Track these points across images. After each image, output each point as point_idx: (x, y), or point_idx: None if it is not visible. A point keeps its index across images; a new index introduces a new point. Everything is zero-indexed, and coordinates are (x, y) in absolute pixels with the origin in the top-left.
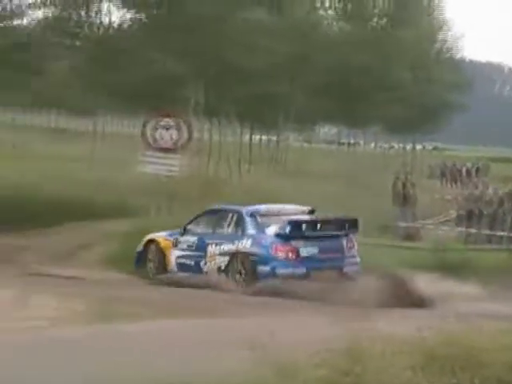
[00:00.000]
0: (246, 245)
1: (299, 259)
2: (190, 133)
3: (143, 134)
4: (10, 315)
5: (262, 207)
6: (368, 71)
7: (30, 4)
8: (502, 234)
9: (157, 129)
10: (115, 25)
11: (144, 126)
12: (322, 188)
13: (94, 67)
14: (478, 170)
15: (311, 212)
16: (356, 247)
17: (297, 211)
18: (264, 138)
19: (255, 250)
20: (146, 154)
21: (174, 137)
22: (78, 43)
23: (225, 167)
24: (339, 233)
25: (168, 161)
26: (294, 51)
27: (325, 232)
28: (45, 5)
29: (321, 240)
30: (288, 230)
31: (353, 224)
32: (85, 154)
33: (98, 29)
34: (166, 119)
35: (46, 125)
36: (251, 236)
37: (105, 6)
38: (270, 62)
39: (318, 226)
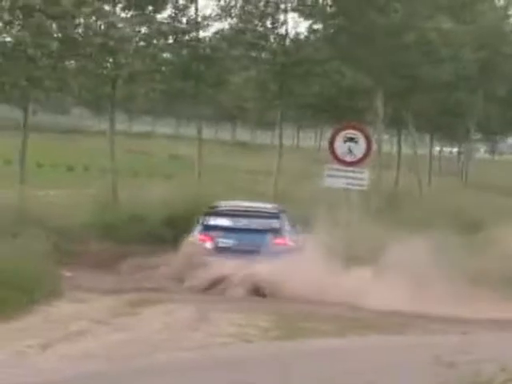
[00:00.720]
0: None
1: (216, 249)
2: (372, 145)
3: (331, 146)
4: (197, 332)
5: (224, 203)
6: None
7: (214, 16)
8: None
9: (345, 141)
10: (301, 36)
11: (332, 138)
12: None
13: (280, 79)
14: None
15: (282, 211)
16: (289, 243)
17: (265, 209)
18: (454, 150)
19: None
20: (333, 167)
21: (361, 150)
22: (263, 55)
23: (414, 180)
24: (263, 227)
25: (357, 174)
26: (480, 60)
27: (246, 225)
28: (229, 16)
29: (240, 232)
30: (207, 221)
31: (278, 219)
32: (270, 166)
33: (285, 40)
34: (353, 131)
35: (228, 137)
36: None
37: (290, 16)
38: (454, 71)
39: (239, 219)
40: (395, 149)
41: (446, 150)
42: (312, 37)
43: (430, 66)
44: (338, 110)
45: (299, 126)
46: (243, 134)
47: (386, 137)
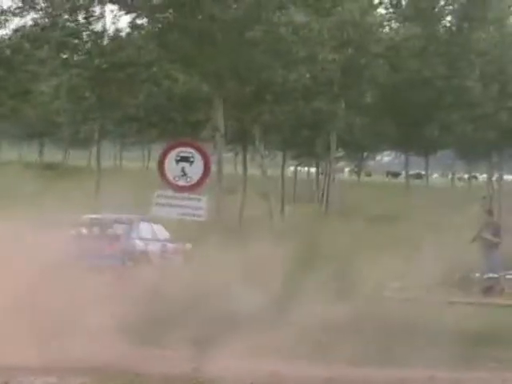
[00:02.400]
0: None
1: None
2: (210, 165)
3: (161, 168)
4: None
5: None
6: (437, 84)
7: (13, 9)
8: None
9: (177, 162)
10: (123, 33)
11: (162, 158)
12: (384, 232)
13: (97, 86)
14: None
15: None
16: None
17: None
18: (311, 170)
19: None
20: (163, 194)
21: (197, 172)
22: (75, 57)
23: (262, 208)
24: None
25: (192, 202)
26: (342, 60)
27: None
28: (32, 9)
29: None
30: None
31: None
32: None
33: (102, 38)
34: (187, 149)
35: (34, 159)
36: None
37: (108, 9)
38: (311, 74)
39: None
40: (241, 169)
41: (304, 170)
42: (136, 34)
43: (282, 69)
44: (170, 124)
45: (122, 144)
46: (53, 154)
47: (228, 155)
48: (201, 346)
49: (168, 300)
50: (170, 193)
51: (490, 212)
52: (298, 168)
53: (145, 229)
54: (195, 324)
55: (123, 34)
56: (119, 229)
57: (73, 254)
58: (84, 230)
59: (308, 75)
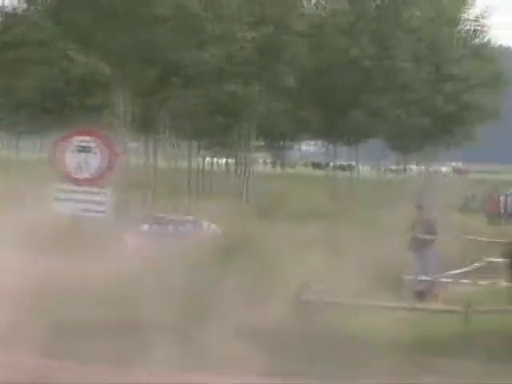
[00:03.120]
0: None
1: None
2: (114, 157)
3: (53, 160)
4: None
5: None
6: (366, 65)
7: None
8: None
9: (76, 153)
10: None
11: (58, 148)
12: (306, 231)
13: None
14: None
15: None
16: None
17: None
18: (230, 161)
19: None
20: (62, 188)
21: (98, 164)
22: None
23: (170, 203)
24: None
25: (93, 197)
26: (259, 39)
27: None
28: None
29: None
30: None
31: None
32: None
33: None
34: (86, 139)
35: None
36: None
37: None
38: (226, 54)
39: None
40: (151, 161)
41: (222, 161)
42: (33, 10)
43: (192, 49)
44: (67, 110)
45: (19, 133)
46: None
47: (134, 145)
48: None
49: None
50: (70, 187)
51: (420, 207)
52: (215, 159)
53: None
54: None
55: (19, 9)
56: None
57: None
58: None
59: (221, 56)
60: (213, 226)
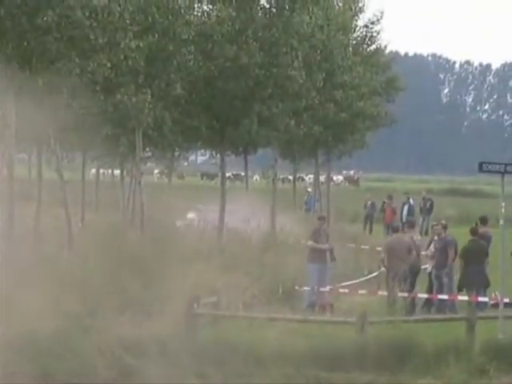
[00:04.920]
0: None
1: None
2: None
3: None
4: None
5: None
6: (254, 73)
7: None
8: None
9: None
10: None
11: None
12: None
13: None
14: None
15: None
16: None
17: None
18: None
19: None
20: None
21: None
22: None
23: (59, 217)
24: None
25: None
26: (146, 47)
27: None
28: None
29: None
30: None
31: None
32: None
33: None
34: None
35: None
36: None
37: None
38: (112, 63)
39: None
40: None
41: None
42: None
43: (78, 58)
44: None
45: None
46: None
47: (22, 156)
48: None
49: None
50: None
51: (322, 218)
52: (102, 170)
53: None
54: None
55: None
56: None
57: None
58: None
59: (109, 64)
60: None
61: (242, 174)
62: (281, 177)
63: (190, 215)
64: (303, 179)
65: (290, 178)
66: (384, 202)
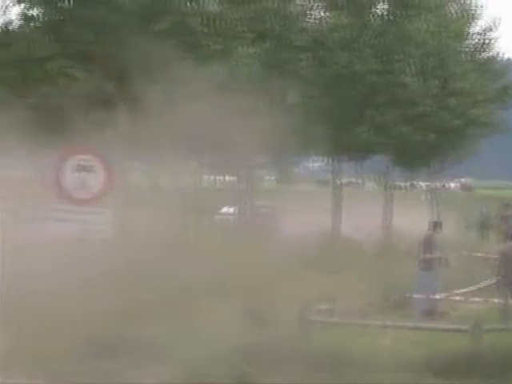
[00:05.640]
0: None
1: None
2: (113, 175)
3: (53, 179)
4: None
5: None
6: (370, 79)
7: None
8: None
9: (74, 171)
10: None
11: (58, 167)
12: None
13: None
14: None
15: None
16: None
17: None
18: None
19: None
20: (59, 207)
21: (95, 182)
22: None
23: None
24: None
25: (95, 217)
26: (262, 54)
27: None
28: None
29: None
30: None
31: None
32: None
33: None
34: (85, 157)
35: None
36: None
37: None
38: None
39: None
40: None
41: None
42: (31, 26)
43: (195, 64)
44: (67, 128)
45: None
46: None
47: (135, 163)
48: None
49: None
50: (67, 206)
51: (438, 225)
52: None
53: None
54: None
55: (15, 26)
56: None
57: None
58: None
59: (225, 72)
60: None
61: (354, 180)
62: (395, 183)
63: (225, 209)
64: (415, 186)
65: (402, 184)
66: (501, 210)
